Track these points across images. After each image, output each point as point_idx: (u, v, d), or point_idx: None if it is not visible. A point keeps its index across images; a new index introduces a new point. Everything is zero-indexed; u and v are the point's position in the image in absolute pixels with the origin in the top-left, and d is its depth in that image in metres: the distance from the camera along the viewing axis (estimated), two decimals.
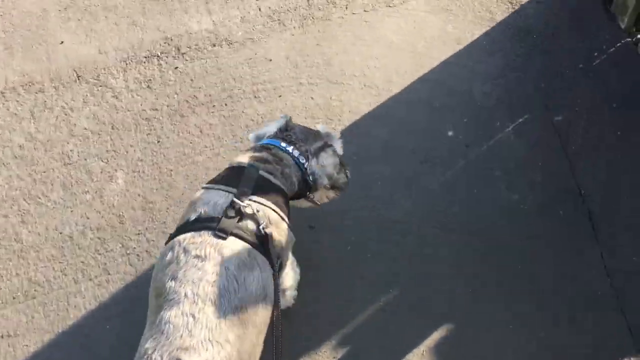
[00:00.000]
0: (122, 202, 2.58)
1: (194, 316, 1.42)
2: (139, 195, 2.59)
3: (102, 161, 2.70)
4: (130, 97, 2.86)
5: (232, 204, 1.63)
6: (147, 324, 1.51)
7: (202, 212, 1.63)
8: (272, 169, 1.79)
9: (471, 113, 2.64)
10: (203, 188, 1.75)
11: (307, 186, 1.94)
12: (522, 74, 2.72)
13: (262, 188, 1.72)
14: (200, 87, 2.85)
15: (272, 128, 1.99)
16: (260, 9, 3.08)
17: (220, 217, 1.60)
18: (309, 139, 1.96)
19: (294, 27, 3.00)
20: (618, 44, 2.75)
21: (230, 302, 1.47)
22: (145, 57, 2.98)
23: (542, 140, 2.54)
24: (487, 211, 2.40)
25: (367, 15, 2.99)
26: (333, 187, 2.03)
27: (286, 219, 1.78)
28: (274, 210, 1.72)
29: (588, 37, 2.78)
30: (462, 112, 2.65)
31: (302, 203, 2.09)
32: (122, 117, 2.80)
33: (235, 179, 1.73)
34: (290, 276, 2.03)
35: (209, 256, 1.52)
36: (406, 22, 2.95)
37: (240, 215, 1.61)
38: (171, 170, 2.64)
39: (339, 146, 2.07)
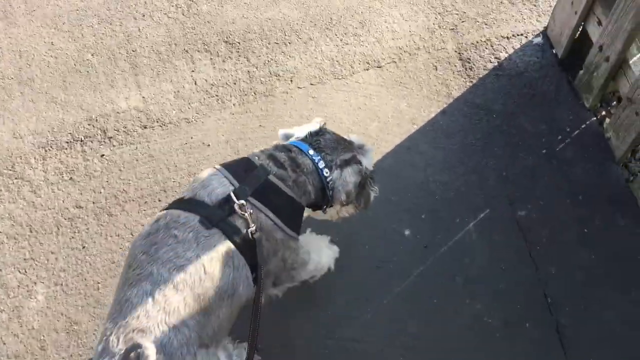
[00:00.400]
0: (43, 324, 2.28)
1: (154, 298, 1.41)
2: (62, 314, 2.30)
3: (20, 272, 2.39)
4: (51, 191, 2.54)
5: (227, 198, 1.59)
6: (114, 297, 1.50)
7: (198, 194, 1.60)
8: (284, 175, 1.71)
9: (429, 207, 2.42)
10: (214, 168, 1.69)
11: (324, 198, 1.84)
12: (482, 160, 2.51)
13: (266, 193, 1.66)
14: (130, 180, 2.55)
15: (303, 130, 1.89)
16: (196, 82, 2.78)
17: (211, 205, 1.57)
18: (338, 149, 1.85)
19: (234, 105, 2.71)
20: (583, 125, 2.56)
21: (192, 289, 1.45)
22: (67, 143, 2.65)
23: (505, 239, 2.35)
24: (450, 325, 2.19)
25: (314, 90, 2.73)
26: (351, 203, 1.95)
27: (287, 230, 1.69)
28: (270, 217, 1.65)
29: (551, 117, 2.59)
30: (419, 206, 2.43)
31: (318, 214, 1.99)
32: (42, 217, 2.49)
33: (243, 173, 1.66)
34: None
35: (186, 240, 1.50)
36: (356, 97, 2.70)
37: (231, 212, 1.57)
38: (98, 283, 2.35)
39: (370, 160, 1.97)
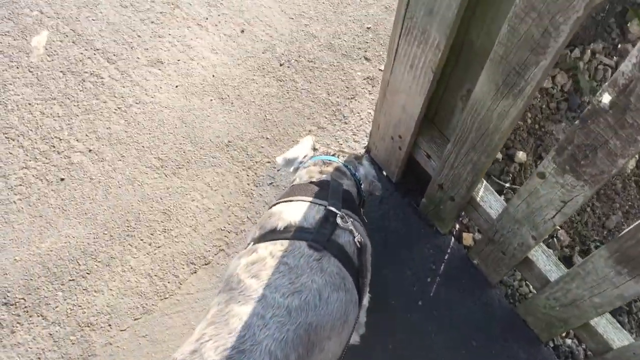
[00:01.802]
0: None
1: (264, 319, 1.31)
2: None
3: None
4: None
5: (326, 216, 1.53)
6: (212, 309, 1.37)
7: (292, 222, 1.51)
8: (349, 184, 1.74)
9: None
10: (282, 202, 1.60)
11: (360, 199, 1.85)
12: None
13: (348, 202, 1.65)
14: None
15: (303, 148, 1.89)
16: None
17: (313, 228, 1.50)
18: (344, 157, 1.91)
19: None
20: (446, 256, 2.32)
21: (307, 317, 1.34)
22: None
23: None
24: None
25: (142, 326, 2.20)
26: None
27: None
28: (361, 225, 1.65)
29: (411, 258, 2.31)
30: None
31: None
32: None
33: (322, 192, 1.62)
34: (364, 310, 1.86)
35: (299, 266, 1.42)
36: (196, 313, 2.22)
37: (334, 228, 1.51)
38: None
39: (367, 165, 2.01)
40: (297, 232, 1.49)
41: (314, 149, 1.91)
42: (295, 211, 1.55)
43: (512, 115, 1.56)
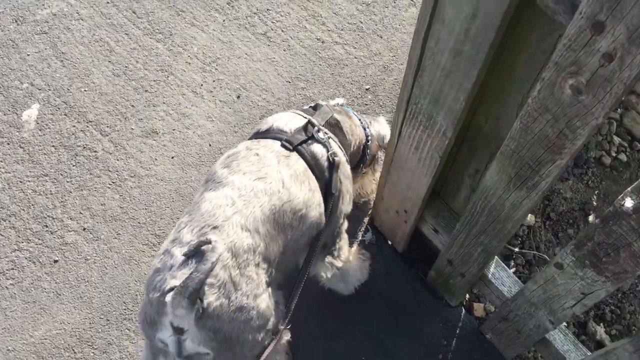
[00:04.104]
0: None
1: (233, 201, 1.43)
2: None
3: None
4: None
5: (305, 126, 1.68)
6: (193, 201, 1.51)
7: (274, 125, 1.69)
8: (343, 120, 1.85)
9: None
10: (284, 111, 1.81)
11: (363, 156, 1.98)
12: None
13: (333, 127, 1.78)
14: None
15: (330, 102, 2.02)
16: None
17: (291, 132, 1.66)
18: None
19: None
20: (457, 331, 2.23)
21: (270, 200, 1.47)
22: None
23: None
24: None
25: None
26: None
27: (348, 168, 1.82)
28: (340, 147, 1.77)
29: (420, 334, 2.22)
30: None
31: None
32: None
33: (313, 110, 1.81)
34: (344, 250, 1.92)
35: (267, 158, 1.55)
36: None
37: (310, 137, 1.65)
38: None
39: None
40: (275, 133, 1.66)
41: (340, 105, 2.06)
42: (281, 119, 1.73)
43: (525, 206, 1.49)
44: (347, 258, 1.95)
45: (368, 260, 2.13)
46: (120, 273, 2.31)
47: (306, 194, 1.57)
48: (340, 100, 2.06)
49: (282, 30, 2.92)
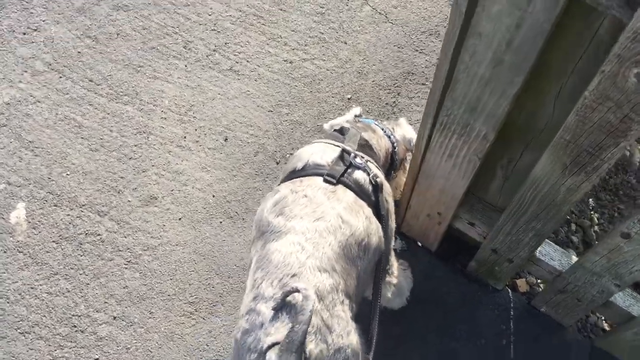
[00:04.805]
0: None
1: (301, 246, 1.42)
2: None
3: None
4: None
5: (341, 156, 1.66)
6: (254, 259, 1.49)
7: (310, 161, 1.65)
8: (370, 136, 1.84)
9: None
10: (304, 146, 1.77)
11: (392, 163, 1.99)
12: None
13: (364, 149, 1.78)
14: None
15: (347, 115, 2.00)
16: None
17: (328, 164, 1.63)
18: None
19: None
20: (511, 312, 2.26)
21: (336, 237, 1.47)
22: None
23: None
24: None
25: None
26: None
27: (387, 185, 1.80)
28: (377, 167, 1.76)
29: (474, 323, 2.24)
30: None
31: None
32: None
33: (337, 135, 1.81)
34: (395, 266, 1.93)
35: (317, 197, 1.53)
36: None
37: (349, 166, 1.64)
38: None
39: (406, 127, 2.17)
40: (313, 169, 1.63)
41: (360, 115, 2.04)
42: (314, 152, 1.69)
43: (583, 189, 1.51)
44: (397, 273, 1.94)
45: (408, 268, 2.12)
46: (166, 352, 2.22)
47: (364, 223, 1.56)
48: (357, 111, 2.04)
49: (247, 61, 2.85)
